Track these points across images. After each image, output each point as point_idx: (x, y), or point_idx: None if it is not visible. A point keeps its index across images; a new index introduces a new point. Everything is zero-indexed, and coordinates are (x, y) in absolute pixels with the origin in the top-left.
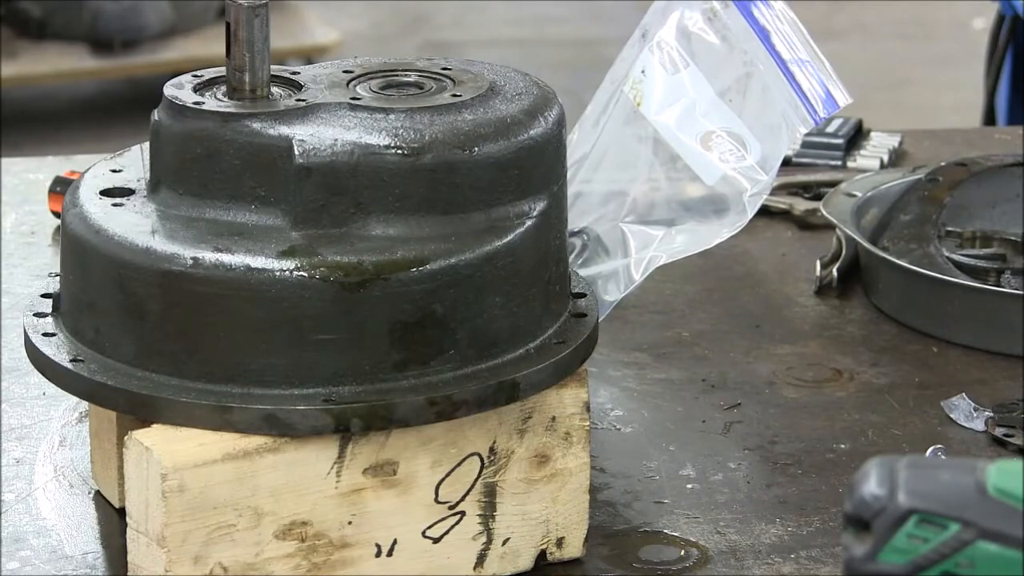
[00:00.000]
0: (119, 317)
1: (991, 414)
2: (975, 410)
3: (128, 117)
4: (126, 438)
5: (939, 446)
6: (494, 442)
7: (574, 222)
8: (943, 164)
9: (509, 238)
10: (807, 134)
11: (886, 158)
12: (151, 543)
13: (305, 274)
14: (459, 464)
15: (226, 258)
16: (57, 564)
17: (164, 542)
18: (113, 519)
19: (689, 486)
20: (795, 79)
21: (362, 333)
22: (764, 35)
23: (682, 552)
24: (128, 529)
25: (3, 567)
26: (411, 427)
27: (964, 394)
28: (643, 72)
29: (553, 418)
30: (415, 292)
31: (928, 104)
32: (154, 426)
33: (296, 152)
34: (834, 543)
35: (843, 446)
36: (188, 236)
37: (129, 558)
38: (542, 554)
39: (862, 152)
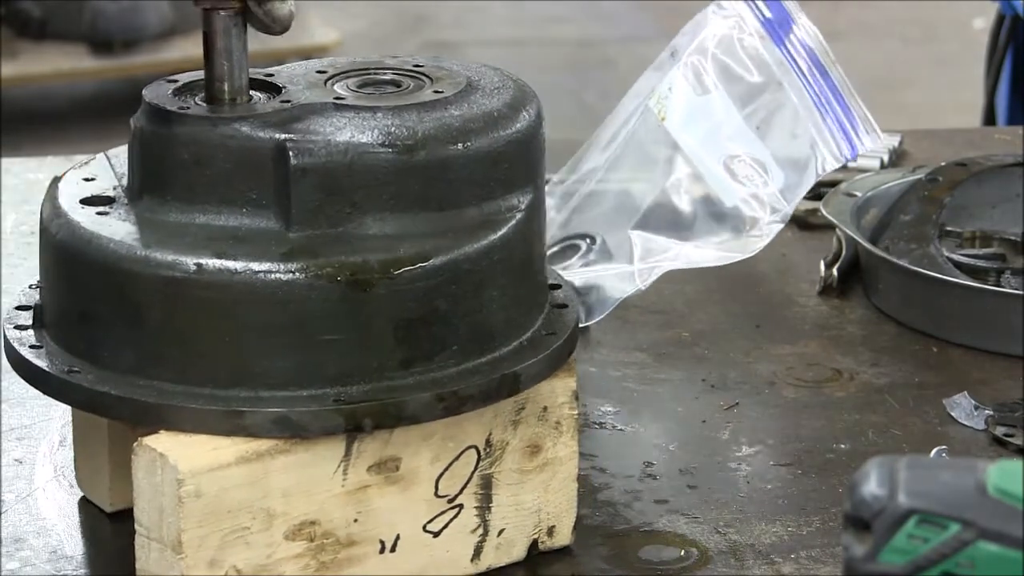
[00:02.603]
0: (117, 326)
1: (992, 413)
2: (976, 408)
3: (128, 117)
4: (136, 445)
5: (943, 447)
6: (490, 434)
7: (585, 226)
8: (943, 164)
9: (503, 231)
10: None
11: (886, 158)
12: (165, 549)
13: (312, 275)
14: (457, 457)
15: (230, 263)
16: (57, 564)
17: (181, 548)
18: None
19: (689, 486)
20: (827, 113)
21: (369, 332)
22: (796, 66)
23: (682, 552)
24: (137, 537)
25: (3, 567)
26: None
27: (966, 392)
28: (670, 89)
29: (545, 408)
30: (419, 289)
31: (928, 104)
32: (161, 432)
33: (291, 154)
34: (834, 543)
35: (843, 446)
36: (185, 242)
37: (138, 565)
38: (534, 543)
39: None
